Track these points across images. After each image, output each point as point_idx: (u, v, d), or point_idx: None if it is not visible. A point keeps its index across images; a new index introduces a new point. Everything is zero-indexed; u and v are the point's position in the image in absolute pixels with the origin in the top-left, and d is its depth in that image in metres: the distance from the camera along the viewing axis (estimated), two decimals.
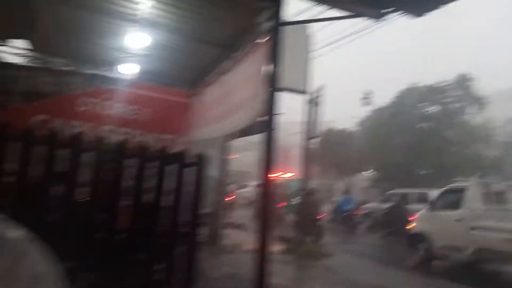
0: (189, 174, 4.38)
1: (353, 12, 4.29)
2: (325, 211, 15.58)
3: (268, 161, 4.13)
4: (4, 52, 7.86)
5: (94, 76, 7.06)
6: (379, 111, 26.95)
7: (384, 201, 18.05)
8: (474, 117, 24.48)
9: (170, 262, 4.27)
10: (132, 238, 4.14)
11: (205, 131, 8.53)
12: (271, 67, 4.24)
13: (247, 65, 5.24)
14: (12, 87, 5.85)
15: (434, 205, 10.37)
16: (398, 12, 4.26)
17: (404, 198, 15.66)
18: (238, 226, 13.48)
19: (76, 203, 3.94)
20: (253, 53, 5.01)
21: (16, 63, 7.55)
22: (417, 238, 10.22)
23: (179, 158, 4.41)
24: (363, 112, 28.00)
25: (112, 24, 6.22)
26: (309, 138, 10.40)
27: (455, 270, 9.40)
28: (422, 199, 14.89)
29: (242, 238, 10.07)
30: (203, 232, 5.67)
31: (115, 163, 4.17)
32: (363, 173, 31.58)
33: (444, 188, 10.73)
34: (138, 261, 4.20)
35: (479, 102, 24.16)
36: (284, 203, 16.92)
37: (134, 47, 6.91)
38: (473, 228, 8.74)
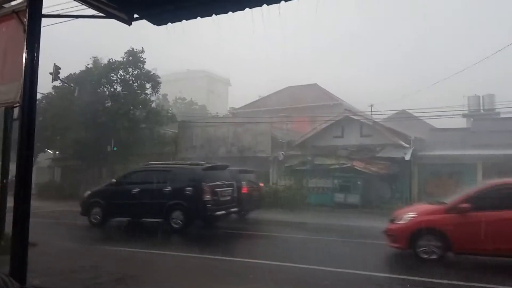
0: None
1: (105, 14, 4.60)
2: None
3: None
4: None
5: None
6: (61, 88, 25.64)
7: None
8: (153, 95, 26.36)
9: None
10: None
11: None
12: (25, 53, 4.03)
13: None
14: None
15: None
16: (144, 19, 4.90)
17: None
18: None
19: None
20: None
21: None
22: None
23: None
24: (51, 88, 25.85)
25: None
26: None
27: None
28: None
29: None
30: None
31: None
32: (48, 151, 29.77)
33: None
34: None
35: (153, 80, 25.79)
36: None
37: None
38: None
